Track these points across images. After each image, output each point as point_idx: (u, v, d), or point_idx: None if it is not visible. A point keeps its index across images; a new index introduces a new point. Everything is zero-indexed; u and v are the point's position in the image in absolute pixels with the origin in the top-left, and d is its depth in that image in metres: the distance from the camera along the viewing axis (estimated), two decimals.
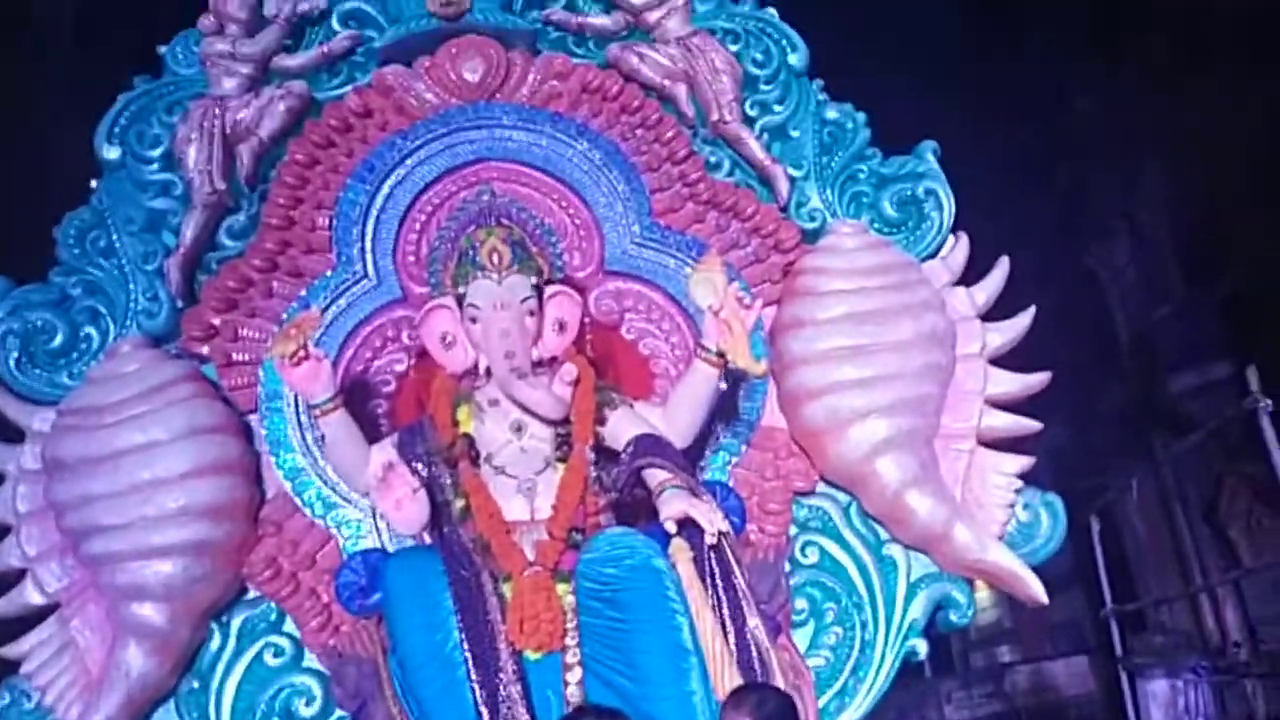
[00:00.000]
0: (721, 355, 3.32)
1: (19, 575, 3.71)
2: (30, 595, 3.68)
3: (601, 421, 3.40)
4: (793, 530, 3.92)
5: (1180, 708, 8.49)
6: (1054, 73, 11.40)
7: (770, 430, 3.98)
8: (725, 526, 3.06)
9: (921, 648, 3.82)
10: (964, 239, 4.20)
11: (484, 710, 2.94)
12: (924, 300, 3.96)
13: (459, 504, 3.25)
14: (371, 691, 3.14)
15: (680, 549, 3.06)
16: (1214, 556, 10.58)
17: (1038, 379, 4.07)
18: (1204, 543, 10.80)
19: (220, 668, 3.70)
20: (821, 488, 3.98)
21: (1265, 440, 6.43)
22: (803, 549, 3.90)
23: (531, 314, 3.38)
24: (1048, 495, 3.95)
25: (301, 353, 3.32)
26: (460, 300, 3.41)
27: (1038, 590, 3.77)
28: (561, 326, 3.49)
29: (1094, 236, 12.00)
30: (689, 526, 3.05)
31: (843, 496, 3.97)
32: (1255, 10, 9.05)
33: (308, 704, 3.62)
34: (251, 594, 3.77)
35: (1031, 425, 4.04)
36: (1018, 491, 3.91)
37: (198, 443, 3.62)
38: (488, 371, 3.37)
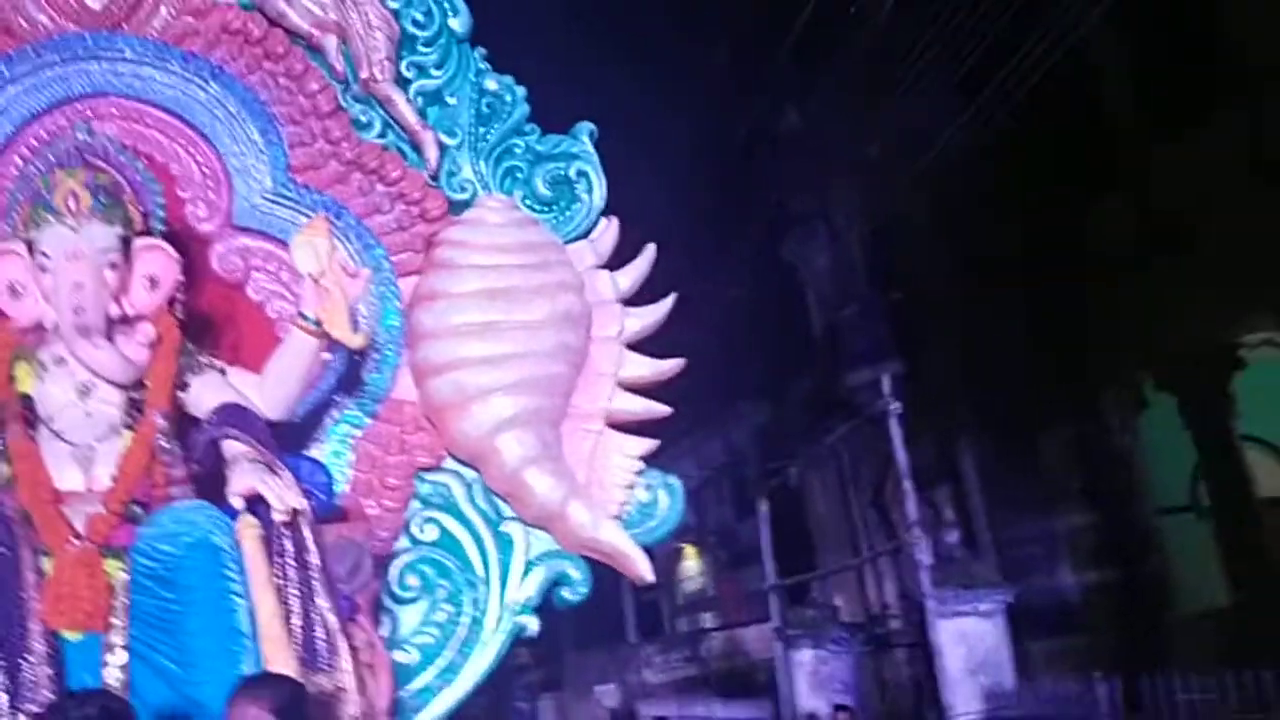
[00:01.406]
0: (320, 324, 3.19)
1: None
2: None
3: (184, 387, 3.19)
4: (414, 505, 3.87)
5: (823, 675, 9.19)
6: (755, 74, 11.94)
7: (399, 404, 3.89)
8: (298, 504, 2.93)
9: (532, 624, 3.85)
10: (614, 223, 4.24)
11: (3, 694, 2.70)
12: (562, 281, 3.98)
13: (3, 469, 2.96)
14: None
15: (247, 525, 2.91)
16: (879, 535, 11.48)
17: (670, 365, 4.18)
18: (871, 523, 11.70)
19: None
20: (449, 463, 3.94)
21: (892, 438, 7.04)
22: (421, 525, 3.85)
23: (114, 267, 3.10)
24: (669, 477, 4.08)
25: None
26: (31, 246, 3.09)
27: (645, 569, 3.89)
28: (153, 283, 3.23)
29: (793, 232, 12.71)
30: (262, 503, 2.91)
31: (469, 473, 3.94)
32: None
33: None
34: None
35: (660, 410, 4.15)
36: (639, 473, 4.01)
37: None
38: (57, 327, 3.08)
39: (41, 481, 2.93)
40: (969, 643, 9.19)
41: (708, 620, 18.98)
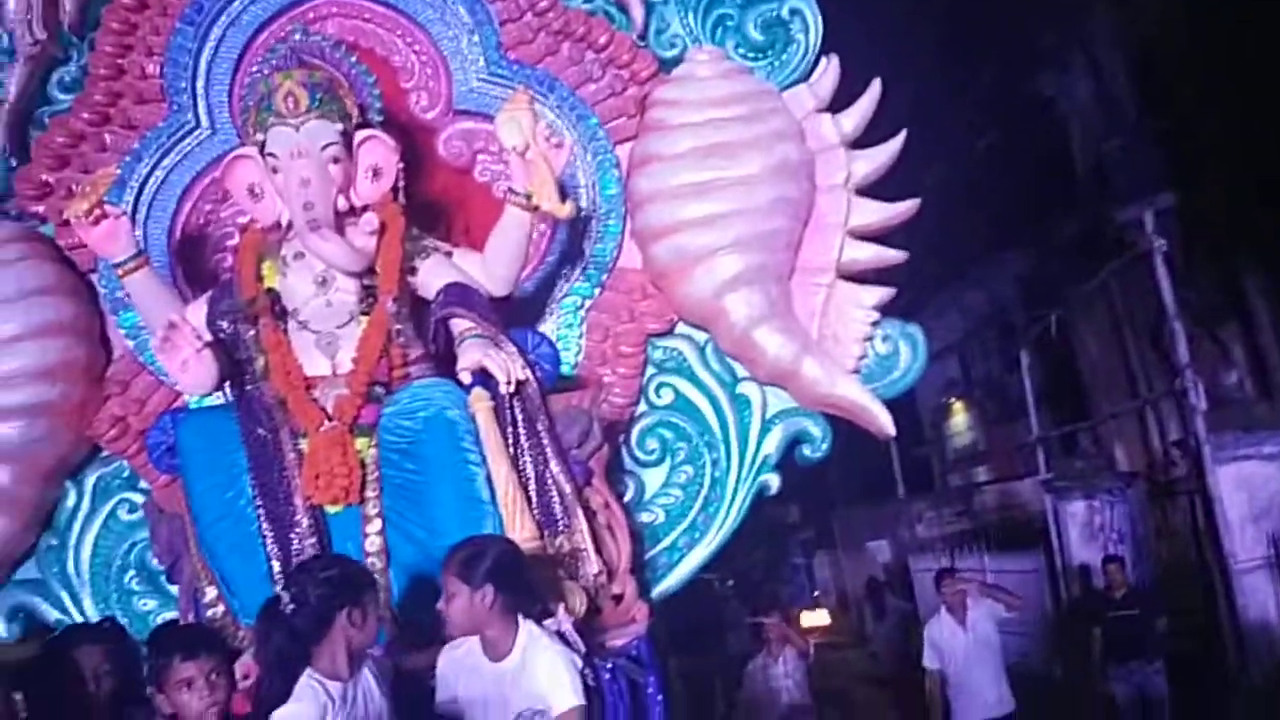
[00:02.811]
0: (530, 197, 3.20)
1: None
2: None
3: (413, 272, 3.31)
4: (649, 371, 3.90)
5: (1096, 526, 8.72)
6: None
7: (624, 272, 3.90)
8: (522, 375, 3.00)
9: (774, 482, 3.84)
10: (834, 62, 3.99)
11: (276, 564, 2.97)
12: (777, 130, 3.81)
13: (260, 361, 3.19)
14: (181, 548, 3.16)
15: (478, 398, 3.02)
16: (1160, 378, 10.63)
17: (903, 208, 3.95)
18: (1151, 365, 10.85)
19: (77, 525, 3.75)
20: (681, 328, 3.94)
21: (1157, 279, 6.41)
22: (657, 390, 3.89)
23: (336, 161, 3.22)
24: (909, 326, 3.90)
25: (98, 210, 3.21)
26: (262, 149, 3.26)
27: (885, 423, 3.76)
28: (376, 173, 3.34)
29: (1048, 64, 11.62)
30: (493, 376, 2.99)
31: (700, 336, 3.93)
32: None
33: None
34: (106, 452, 3.78)
35: (895, 256, 3.95)
36: (875, 324, 3.86)
37: (27, 305, 3.57)
38: (292, 224, 3.25)
39: (292, 369, 3.14)
40: (1250, 488, 8.49)
41: (980, 474, 18.48)
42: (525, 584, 2.62)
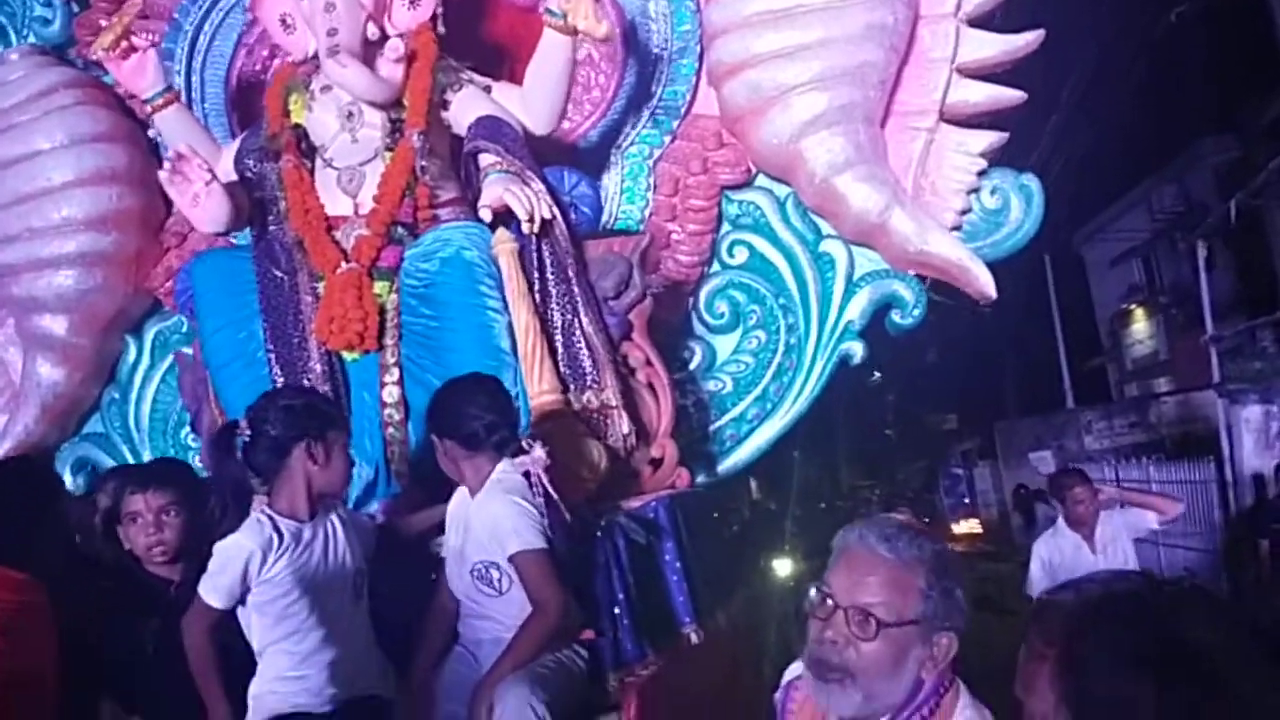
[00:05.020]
0: (566, 18, 2.85)
1: None
2: None
3: (445, 106, 3.03)
4: (723, 229, 3.54)
5: (1273, 433, 7.81)
6: None
7: (697, 119, 3.52)
8: (549, 214, 2.70)
9: (857, 351, 3.44)
10: None
11: None
12: None
13: (283, 201, 2.99)
14: (202, 395, 3.03)
15: (501, 240, 2.73)
16: None
17: (1023, 41, 3.40)
18: None
19: (137, 379, 3.72)
20: (761, 180, 3.55)
21: None
22: (730, 249, 3.53)
23: None
24: (1023, 177, 3.39)
25: (125, 43, 3.06)
26: None
27: (986, 284, 3.29)
28: (413, 1, 3.05)
29: None
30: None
31: (781, 190, 3.53)
32: None
33: None
34: (165, 307, 3.71)
35: (1013, 96, 3.42)
36: (983, 174, 3.36)
37: (80, 152, 3.49)
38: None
39: (312, 208, 2.94)
40: None
41: (1161, 386, 17.23)
42: (471, 426, 2.31)
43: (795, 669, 1.64)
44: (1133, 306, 18.67)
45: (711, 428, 3.43)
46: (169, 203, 3.68)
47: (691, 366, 3.46)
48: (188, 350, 3.61)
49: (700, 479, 3.29)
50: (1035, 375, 18.56)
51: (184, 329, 3.69)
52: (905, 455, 20.88)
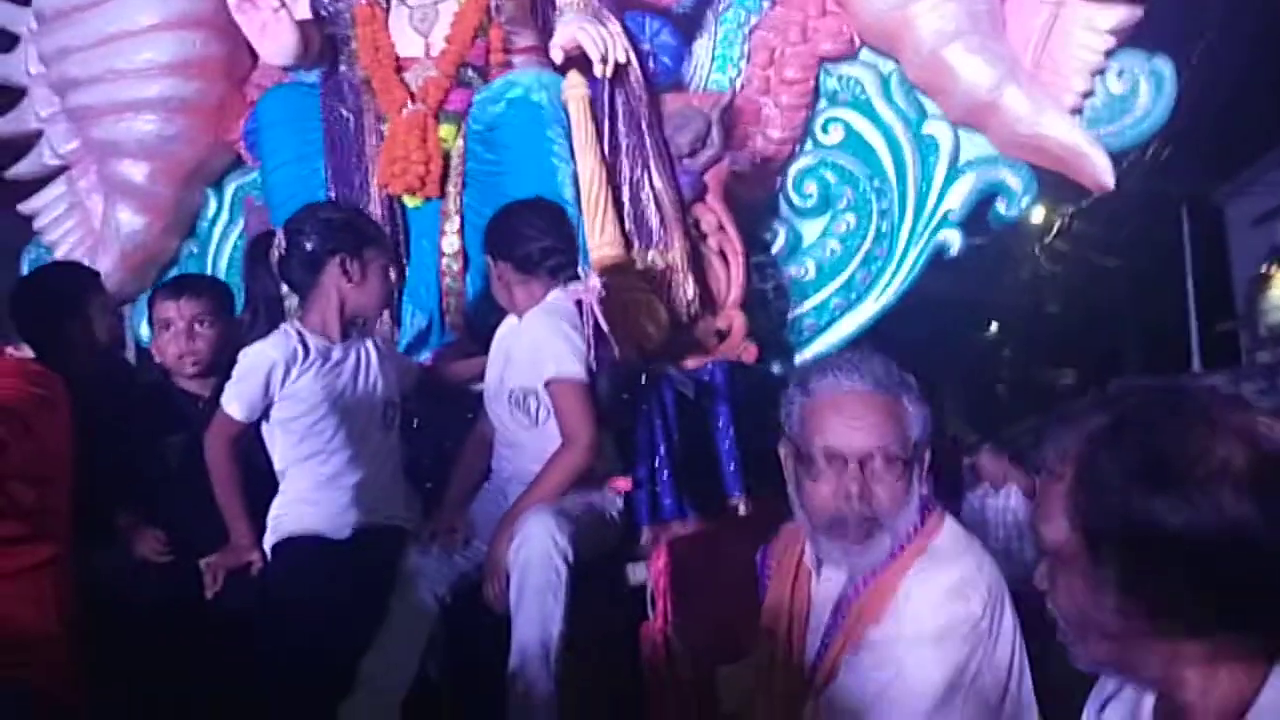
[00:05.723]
0: None
1: (36, 137, 3.78)
2: (45, 156, 3.76)
3: None
4: (820, 104, 3.31)
5: None
6: None
7: None
8: (623, 58, 2.52)
9: (954, 240, 3.19)
10: None
11: None
12: None
13: (355, 38, 2.87)
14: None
15: (571, 85, 2.57)
16: None
17: None
18: None
19: (216, 233, 3.69)
20: (865, 55, 3.30)
21: None
22: (824, 126, 3.30)
23: None
24: (1156, 60, 3.07)
25: None
26: None
27: (1103, 171, 3.00)
28: None
29: None
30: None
31: (886, 65, 3.28)
32: None
33: None
34: (246, 162, 3.66)
35: None
36: (1110, 54, 3.05)
37: None
38: None
39: (382, 46, 2.81)
40: None
41: None
42: (526, 248, 2.19)
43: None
44: (1274, 270, 17.60)
45: (790, 315, 3.24)
46: (254, 54, 3.62)
47: (774, 250, 3.27)
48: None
49: (775, 369, 3.12)
50: (1161, 334, 17.67)
51: None
52: (1016, 410, 20.25)
